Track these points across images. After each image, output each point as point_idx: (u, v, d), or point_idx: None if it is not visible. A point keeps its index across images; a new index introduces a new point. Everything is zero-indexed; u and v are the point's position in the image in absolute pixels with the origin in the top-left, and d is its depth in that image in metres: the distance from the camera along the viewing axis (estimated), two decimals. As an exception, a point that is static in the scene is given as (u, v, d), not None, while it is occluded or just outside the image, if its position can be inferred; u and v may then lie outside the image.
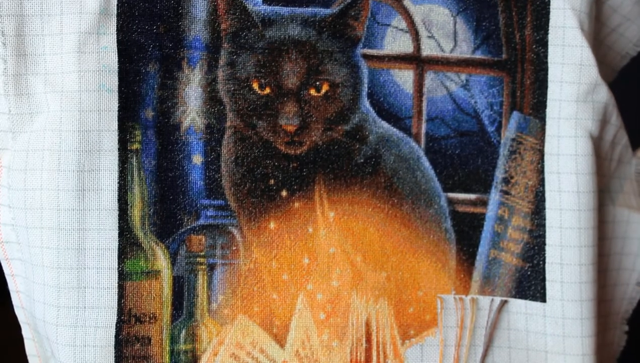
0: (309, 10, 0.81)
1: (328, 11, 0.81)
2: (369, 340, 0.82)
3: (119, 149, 0.78)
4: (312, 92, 0.80)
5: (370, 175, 0.82)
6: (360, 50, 0.81)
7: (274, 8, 0.80)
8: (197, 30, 0.80)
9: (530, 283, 0.82)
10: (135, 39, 0.78)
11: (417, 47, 0.82)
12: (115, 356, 0.78)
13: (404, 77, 0.82)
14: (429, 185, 0.82)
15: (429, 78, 0.82)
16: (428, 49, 0.82)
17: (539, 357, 0.82)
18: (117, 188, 0.78)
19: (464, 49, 0.82)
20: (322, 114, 0.81)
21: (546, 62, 0.82)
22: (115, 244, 0.78)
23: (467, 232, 0.83)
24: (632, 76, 0.96)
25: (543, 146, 0.82)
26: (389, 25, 0.82)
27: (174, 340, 0.80)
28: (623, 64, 0.91)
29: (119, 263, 0.78)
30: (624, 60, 0.91)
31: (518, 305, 0.83)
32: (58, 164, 0.77)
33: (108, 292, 0.78)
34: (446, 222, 0.82)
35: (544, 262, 0.82)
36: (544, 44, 0.82)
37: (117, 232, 0.78)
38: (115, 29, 0.78)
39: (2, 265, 0.81)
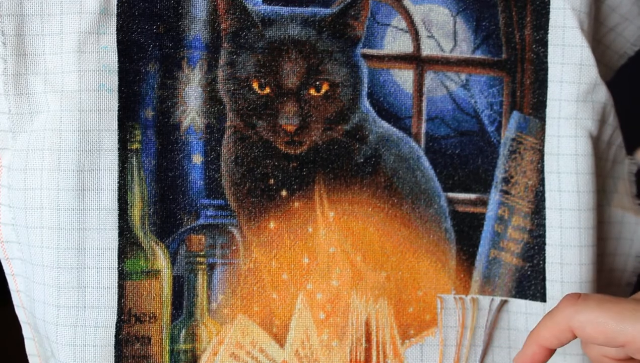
0: (309, 10, 0.80)
1: (328, 11, 0.81)
2: (368, 339, 0.82)
3: (119, 149, 0.78)
4: (312, 91, 0.80)
5: (370, 175, 0.82)
6: (360, 50, 0.81)
7: (274, 8, 0.80)
8: (197, 30, 0.80)
9: (530, 283, 0.82)
10: (135, 38, 0.78)
11: (417, 47, 0.82)
12: (115, 356, 0.78)
13: (404, 77, 0.82)
14: (428, 185, 0.82)
15: (429, 78, 0.82)
16: (428, 49, 0.82)
17: (538, 356, 0.83)
18: (117, 188, 0.78)
19: (464, 49, 0.82)
20: (322, 113, 0.81)
21: (546, 62, 0.82)
22: (115, 244, 0.78)
23: (467, 231, 0.83)
24: (630, 76, 0.96)
25: (543, 146, 0.82)
26: (388, 25, 0.82)
27: (173, 339, 0.80)
28: (621, 63, 0.91)
29: (119, 263, 0.78)
30: (621, 59, 0.91)
31: (518, 305, 0.83)
32: (58, 163, 0.77)
33: (108, 291, 0.78)
34: (446, 222, 0.82)
35: (544, 262, 0.82)
36: (543, 43, 0.82)
37: (117, 231, 0.78)
38: (115, 28, 0.78)
39: (3, 264, 0.81)
